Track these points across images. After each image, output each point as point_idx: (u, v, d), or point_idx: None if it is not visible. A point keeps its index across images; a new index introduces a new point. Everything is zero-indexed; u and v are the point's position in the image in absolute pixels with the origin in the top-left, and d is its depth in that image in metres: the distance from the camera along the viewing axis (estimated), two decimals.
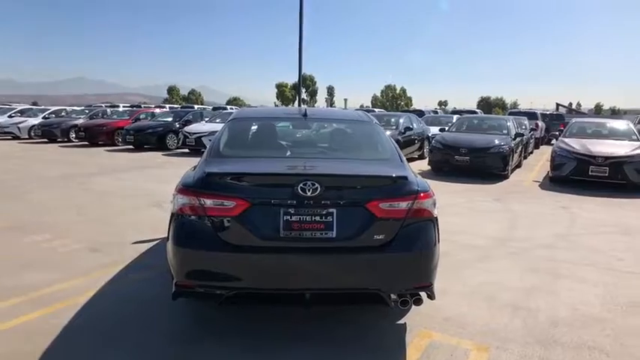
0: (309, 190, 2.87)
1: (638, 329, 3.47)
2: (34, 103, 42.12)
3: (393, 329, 3.39)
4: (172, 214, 3.08)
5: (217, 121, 16.21)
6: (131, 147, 16.73)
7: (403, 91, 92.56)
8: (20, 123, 20.47)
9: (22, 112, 22.39)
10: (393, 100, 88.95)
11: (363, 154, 3.87)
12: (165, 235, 3.20)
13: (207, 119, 17.48)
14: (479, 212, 7.45)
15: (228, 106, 39.45)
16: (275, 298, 3.11)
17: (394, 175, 3.13)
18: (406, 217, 2.98)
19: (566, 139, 10.98)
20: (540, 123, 21.05)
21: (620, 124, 12.10)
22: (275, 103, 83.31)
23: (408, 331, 3.35)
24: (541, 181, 10.84)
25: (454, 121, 15.80)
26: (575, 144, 10.37)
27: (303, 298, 2.97)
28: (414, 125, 14.83)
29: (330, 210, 2.90)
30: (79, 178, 9.99)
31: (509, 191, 9.35)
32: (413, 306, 3.08)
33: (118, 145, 17.50)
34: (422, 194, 3.05)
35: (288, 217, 2.88)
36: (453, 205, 7.73)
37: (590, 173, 9.70)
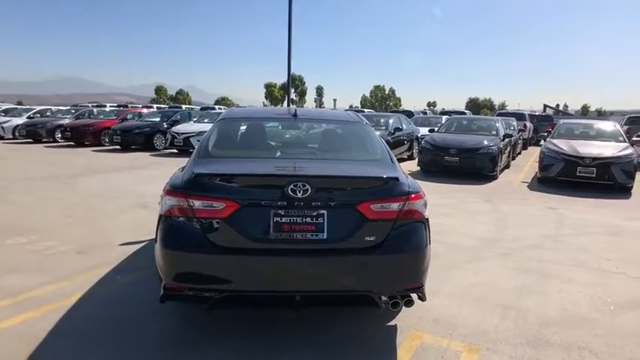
0: (299, 192, 2.84)
1: (626, 329, 3.50)
2: (19, 103, 41.58)
3: (383, 331, 3.37)
4: (160, 216, 3.03)
5: (205, 121, 16.12)
6: (118, 147, 16.54)
7: (392, 91, 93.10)
8: (4, 123, 20.01)
9: (6, 112, 21.97)
10: (382, 100, 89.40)
11: (353, 155, 3.85)
12: (153, 237, 3.15)
13: (195, 119, 17.34)
14: (468, 213, 7.47)
15: (217, 106, 39.24)
16: (265, 300, 3.08)
17: (385, 176, 3.12)
18: (397, 218, 2.96)
19: (554, 140, 11.09)
20: (528, 124, 21.30)
21: (608, 126, 12.26)
22: (264, 103, 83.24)
23: (398, 332, 3.34)
24: (529, 181, 10.94)
25: (443, 121, 15.89)
26: (563, 145, 10.47)
27: (293, 301, 2.94)
28: (404, 126, 14.88)
29: (321, 211, 2.88)
30: (65, 178, 9.84)
31: (498, 192, 9.42)
32: (404, 307, 3.07)
33: (105, 146, 17.27)
34: (413, 195, 3.04)
35: (279, 219, 2.85)
36: (443, 205, 7.75)
37: (577, 174, 9.81)
